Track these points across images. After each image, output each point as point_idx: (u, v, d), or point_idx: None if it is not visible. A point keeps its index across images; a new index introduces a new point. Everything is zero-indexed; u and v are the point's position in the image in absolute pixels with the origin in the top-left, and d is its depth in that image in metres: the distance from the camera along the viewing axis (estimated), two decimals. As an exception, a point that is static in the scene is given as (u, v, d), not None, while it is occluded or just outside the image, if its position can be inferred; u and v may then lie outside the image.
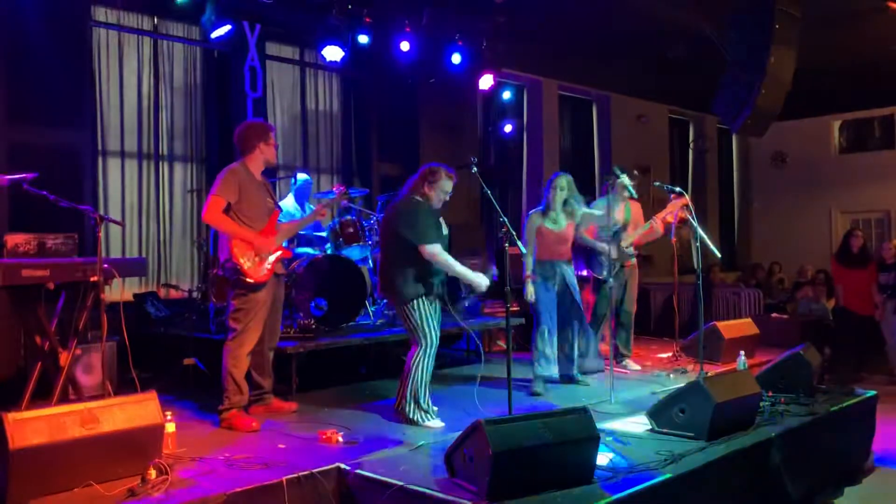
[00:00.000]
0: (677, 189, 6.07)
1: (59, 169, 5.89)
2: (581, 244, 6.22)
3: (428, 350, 4.55)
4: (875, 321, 8.33)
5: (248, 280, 4.48)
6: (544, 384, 5.48)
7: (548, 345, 5.51)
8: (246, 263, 4.48)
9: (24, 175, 4.18)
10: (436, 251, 4.47)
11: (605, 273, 6.20)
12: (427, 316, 4.52)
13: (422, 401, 4.54)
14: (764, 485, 4.14)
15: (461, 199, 9.18)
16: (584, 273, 6.40)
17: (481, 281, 4.61)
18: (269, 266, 4.58)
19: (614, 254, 6.07)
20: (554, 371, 5.56)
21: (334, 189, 5.60)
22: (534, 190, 11.17)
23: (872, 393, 5.46)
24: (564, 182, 5.67)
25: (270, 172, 7.12)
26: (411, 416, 4.54)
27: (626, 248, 6.32)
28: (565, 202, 5.65)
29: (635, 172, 6.65)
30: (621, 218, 6.31)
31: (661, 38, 9.63)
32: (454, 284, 7.03)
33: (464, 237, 8.11)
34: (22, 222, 4.52)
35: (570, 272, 5.71)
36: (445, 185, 4.60)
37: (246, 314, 4.54)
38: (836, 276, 9.04)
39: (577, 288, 5.73)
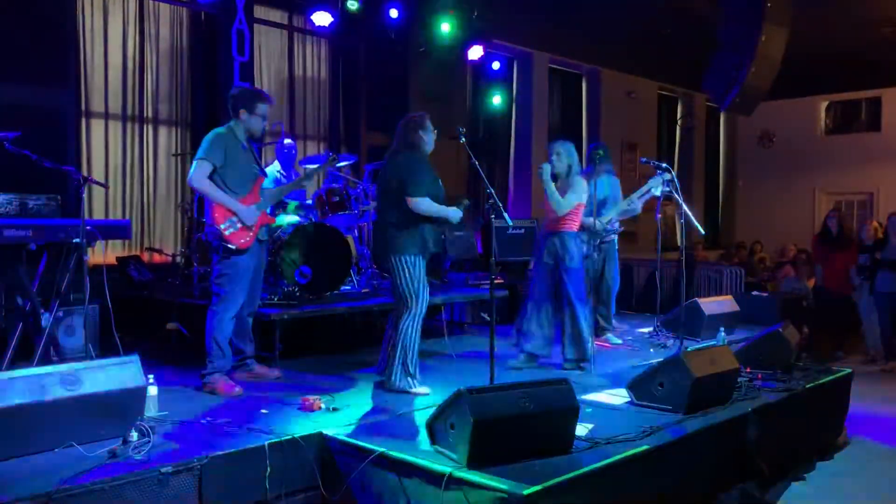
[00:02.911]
0: (664, 165, 6.09)
1: (41, 129, 5.78)
2: None
3: (416, 314, 4.54)
4: (852, 301, 8.45)
5: (230, 246, 4.47)
6: (525, 359, 5.44)
7: (527, 320, 5.43)
8: (228, 230, 4.46)
9: (5, 134, 4.12)
10: (420, 201, 4.45)
11: (583, 249, 6.22)
12: (418, 276, 4.52)
13: (410, 366, 4.56)
14: (739, 458, 4.22)
15: (448, 170, 9.16)
16: None
17: (454, 214, 4.61)
18: (251, 233, 4.56)
19: (599, 227, 6.10)
20: (530, 347, 5.41)
21: (323, 154, 5.55)
22: (521, 163, 11.17)
23: (848, 371, 5.56)
24: (560, 150, 5.43)
25: (256, 138, 7.07)
26: (399, 382, 4.55)
27: (606, 223, 6.31)
28: (569, 170, 5.40)
29: (600, 152, 6.62)
30: (601, 194, 6.31)
31: (653, 14, 9.60)
32: (439, 256, 7.05)
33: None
34: (3, 182, 4.46)
35: (559, 246, 5.33)
36: (430, 125, 4.65)
37: (230, 279, 4.53)
38: (816, 256, 9.14)
39: (573, 266, 5.31)
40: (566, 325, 5.32)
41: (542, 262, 5.43)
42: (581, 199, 5.39)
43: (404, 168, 4.52)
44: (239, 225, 4.50)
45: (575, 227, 5.43)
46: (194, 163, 4.49)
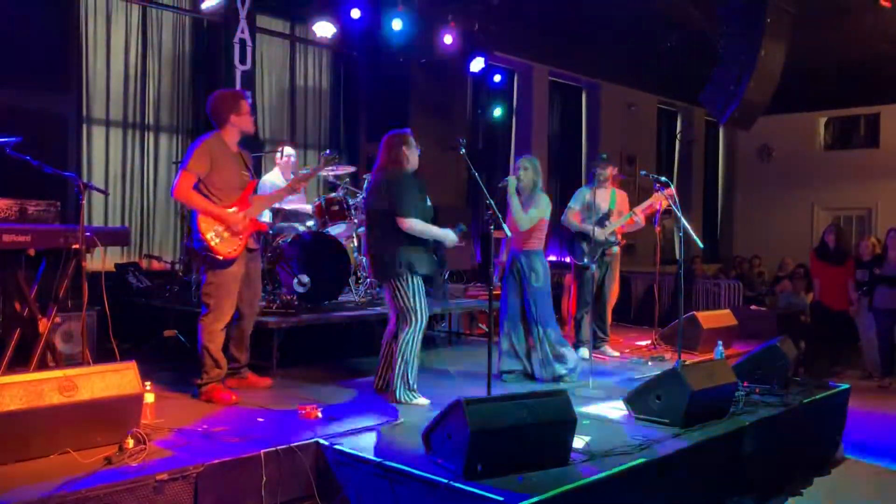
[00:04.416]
0: (663, 179, 6.11)
1: (43, 135, 5.82)
2: (565, 229, 6.24)
3: (417, 328, 4.55)
4: (850, 316, 8.45)
5: (216, 256, 4.38)
6: (510, 375, 5.40)
7: (503, 338, 5.40)
8: (213, 239, 4.36)
9: (7, 139, 4.13)
10: (412, 223, 4.46)
11: (585, 260, 6.24)
12: (418, 292, 4.53)
13: (410, 379, 4.56)
14: (735, 472, 4.21)
15: (448, 181, 9.20)
16: (567, 259, 6.45)
17: (448, 236, 4.63)
18: (240, 241, 4.48)
19: (601, 237, 6.11)
20: (508, 365, 5.37)
21: (325, 153, 5.48)
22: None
23: (845, 386, 5.56)
24: (528, 164, 5.39)
25: (257, 146, 7.10)
26: (399, 395, 4.54)
27: (609, 236, 6.32)
28: (533, 185, 5.37)
29: (603, 156, 6.65)
30: (605, 206, 6.34)
31: (653, 28, 9.65)
32: (438, 265, 7.05)
33: (450, 219, 8.10)
34: (3, 187, 4.46)
35: (525, 264, 5.29)
36: (414, 142, 4.66)
37: (217, 289, 4.45)
38: (813, 271, 9.15)
39: (539, 285, 5.27)
40: (536, 346, 5.28)
41: (510, 281, 5.40)
42: (544, 215, 5.34)
43: (392, 187, 4.50)
44: (226, 234, 4.41)
45: (540, 244, 5.39)
46: (178, 173, 4.41)
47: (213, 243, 4.35)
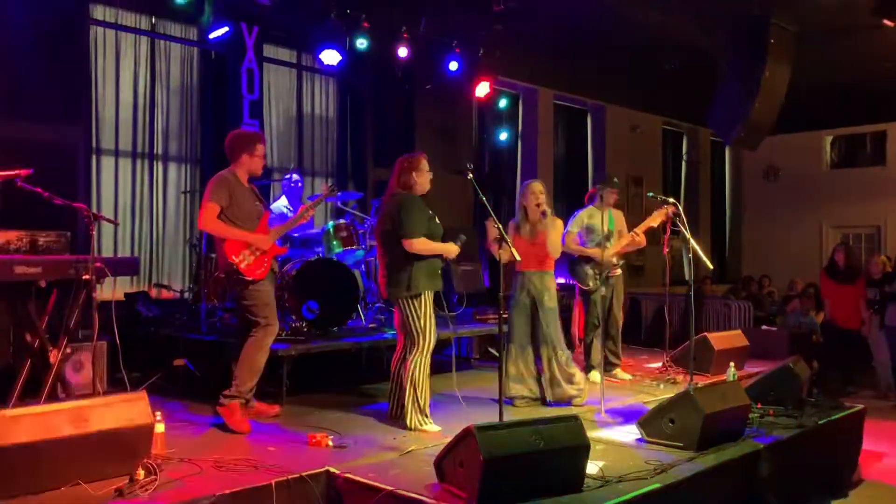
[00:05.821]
0: (671, 200, 6.09)
1: (53, 166, 5.84)
2: (566, 253, 6.20)
3: (425, 351, 4.56)
4: (862, 336, 8.37)
5: (246, 278, 4.52)
6: (522, 400, 5.34)
7: (510, 363, 5.32)
8: (242, 262, 4.52)
9: (18, 171, 4.17)
10: (417, 243, 4.50)
11: (589, 283, 6.21)
12: (428, 314, 4.56)
13: (421, 404, 4.55)
14: (751, 496, 4.15)
15: (455, 204, 9.23)
16: (573, 282, 6.43)
17: (449, 250, 4.66)
18: (266, 263, 4.64)
19: (605, 259, 6.06)
20: (516, 391, 5.30)
21: (323, 188, 5.61)
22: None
23: (860, 407, 5.50)
24: (539, 188, 5.40)
25: (265, 174, 7.12)
26: (410, 421, 4.53)
27: (611, 257, 6.25)
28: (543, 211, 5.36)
29: (615, 180, 6.67)
30: (605, 227, 6.27)
31: (657, 50, 9.71)
32: (447, 289, 7.04)
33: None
34: (14, 219, 4.49)
35: (539, 285, 5.28)
36: (426, 166, 4.70)
37: (265, 307, 4.61)
38: (824, 290, 9.10)
39: (552, 306, 5.27)
40: (545, 368, 5.25)
41: (520, 303, 5.35)
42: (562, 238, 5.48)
43: (399, 210, 4.56)
44: (252, 257, 4.56)
45: (552, 265, 5.40)
46: (201, 207, 4.56)
47: (242, 265, 4.52)
